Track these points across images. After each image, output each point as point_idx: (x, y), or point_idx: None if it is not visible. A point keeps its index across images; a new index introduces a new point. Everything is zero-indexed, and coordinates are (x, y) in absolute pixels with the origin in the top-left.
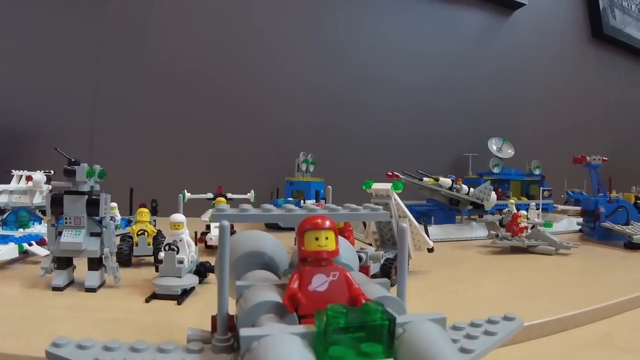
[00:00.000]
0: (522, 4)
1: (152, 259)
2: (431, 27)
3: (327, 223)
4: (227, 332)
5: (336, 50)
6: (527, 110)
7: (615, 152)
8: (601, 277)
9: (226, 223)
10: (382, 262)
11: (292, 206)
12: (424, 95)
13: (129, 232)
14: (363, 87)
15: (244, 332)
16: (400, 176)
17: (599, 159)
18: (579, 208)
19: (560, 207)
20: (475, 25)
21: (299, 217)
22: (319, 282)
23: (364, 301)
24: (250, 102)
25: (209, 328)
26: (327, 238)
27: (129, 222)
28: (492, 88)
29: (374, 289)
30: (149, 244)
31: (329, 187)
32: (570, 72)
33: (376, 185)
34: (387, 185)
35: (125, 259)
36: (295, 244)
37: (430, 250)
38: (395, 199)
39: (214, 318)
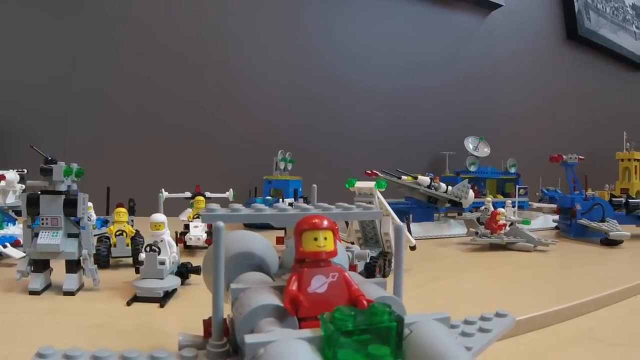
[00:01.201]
0: (499, 5)
1: (130, 260)
2: (409, 28)
3: (326, 223)
4: (222, 337)
5: (314, 50)
6: (503, 109)
7: (589, 151)
8: (580, 273)
9: (221, 224)
10: (367, 260)
11: (284, 205)
12: (402, 95)
13: (106, 233)
14: (341, 87)
15: (249, 338)
16: (379, 174)
17: (575, 158)
18: (553, 206)
19: (536, 204)
20: (453, 26)
21: (292, 217)
22: (319, 284)
23: (369, 302)
24: (228, 100)
25: (196, 331)
26: (325, 238)
27: (105, 222)
28: (469, 87)
29: (372, 289)
30: (127, 245)
31: (314, 185)
32: (545, 72)
33: (359, 184)
34: (371, 184)
35: (103, 260)
36: (277, 244)
37: (413, 248)
38: (378, 197)
39: (206, 322)
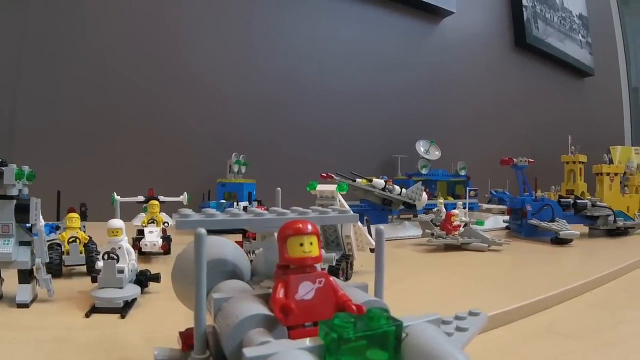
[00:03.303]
0: (451, 12)
1: (84, 268)
2: (363, 31)
3: (310, 227)
4: (205, 349)
5: (268, 51)
6: (453, 113)
7: (535, 154)
8: (535, 271)
9: (203, 231)
10: (333, 264)
11: (261, 210)
12: (355, 97)
13: (58, 240)
14: (294, 89)
15: (248, 352)
16: (335, 177)
17: (525, 161)
18: (502, 207)
19: (485, 206)
20: (406, 31)
21: (270, 221)
22: (306, 290)
23: (358, 307)
24: (181, 101)
25: (163, 343)
26: (311, 243)
27: (55, 228)
28: (421, 92)
29: (357, 294)
30: (80, 252)
31: (278, 189)
32: (494, 78)
33: (321, 187)
34: (332, 187)
35: (55, 269)
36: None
37: (373, 250)
38: (340, 201)
39: (184, 334)
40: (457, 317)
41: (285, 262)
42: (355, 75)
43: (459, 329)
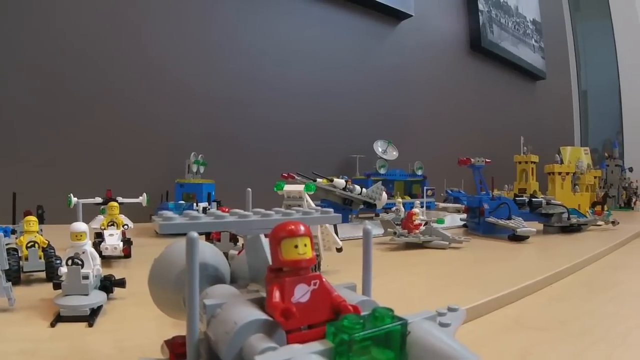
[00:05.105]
0: (409, 15)
1: (43, 274)
2: (322, 32)
3: (303, 229)
4: (198, 358)
5: (228, 50)
6: (410, 114)
7: (489, 154)
8: (497, 267)
9: (195, 234)
10: None
11: (245, 212)
12: (315, 97)
13: (14, 244)
14: (254, 89)
15: (262, 359)
16: (296, 177)
17: (482, 161)
18: (458, 205)
19: (441, 204)
20: (365, 33)
21: (254, 223)
22: (302, 293)
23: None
24: (138, 100)
25: (137, 352)
26: (305, 245)
27: (11, 232)
28: (379, 92)
29: (349, 295)
30: (40, 257)
31: (249, 189)
32: (451, 80)
33: (288, 187)
34: (300, 187)
35: (14, 276)
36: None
37: (339, 250)
38: (307, 201)
39: (170, 344)
40: (438, 314)
41: (279, 264)
42: (315, 76)
43: (442, 324)
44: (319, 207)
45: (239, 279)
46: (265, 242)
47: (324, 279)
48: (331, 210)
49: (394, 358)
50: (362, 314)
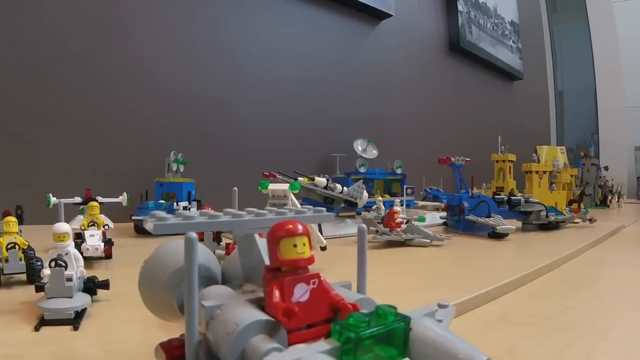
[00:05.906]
0: (389, 15)
1: (23, 276)
2: (303, 31)
3: (301, 228)
4: None
5: (209, 48)
6: (390, 113)
7: (467, 153)
8: (478, 264)
9: (194, 235)
10: None
11: (240, 212)
12: (295, 96)
13: None
14: (235, 87)
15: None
16: (277, 176)
17: (462, 160)
18: (437, 203)
19: (420, 203)
20: (345, 32)
21: (248, 223)
22: (301, 292)
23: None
24: (116, 98)
25: (124, 356)
26: (304, 244)
27: None
28: (359, 91)
29: (347, 293)
30: (20, 259)
31: (235, 188)
32: (430, 80)
33: (273, 186)
34: (284, 186)
35: None
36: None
37: (323, 248)
38: (292, 199)
39: (166, 347)
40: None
41: (277, 264)
42: (295, 74)
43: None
44: (310, 206)
45: (231, 279)
46: (260, 241)
47: (322, 278)
48: (323, 209)
49: (398, 355)
50: (364, 311)
